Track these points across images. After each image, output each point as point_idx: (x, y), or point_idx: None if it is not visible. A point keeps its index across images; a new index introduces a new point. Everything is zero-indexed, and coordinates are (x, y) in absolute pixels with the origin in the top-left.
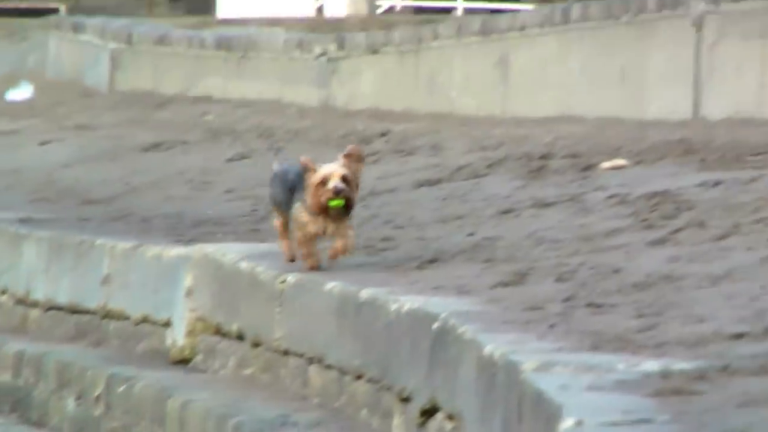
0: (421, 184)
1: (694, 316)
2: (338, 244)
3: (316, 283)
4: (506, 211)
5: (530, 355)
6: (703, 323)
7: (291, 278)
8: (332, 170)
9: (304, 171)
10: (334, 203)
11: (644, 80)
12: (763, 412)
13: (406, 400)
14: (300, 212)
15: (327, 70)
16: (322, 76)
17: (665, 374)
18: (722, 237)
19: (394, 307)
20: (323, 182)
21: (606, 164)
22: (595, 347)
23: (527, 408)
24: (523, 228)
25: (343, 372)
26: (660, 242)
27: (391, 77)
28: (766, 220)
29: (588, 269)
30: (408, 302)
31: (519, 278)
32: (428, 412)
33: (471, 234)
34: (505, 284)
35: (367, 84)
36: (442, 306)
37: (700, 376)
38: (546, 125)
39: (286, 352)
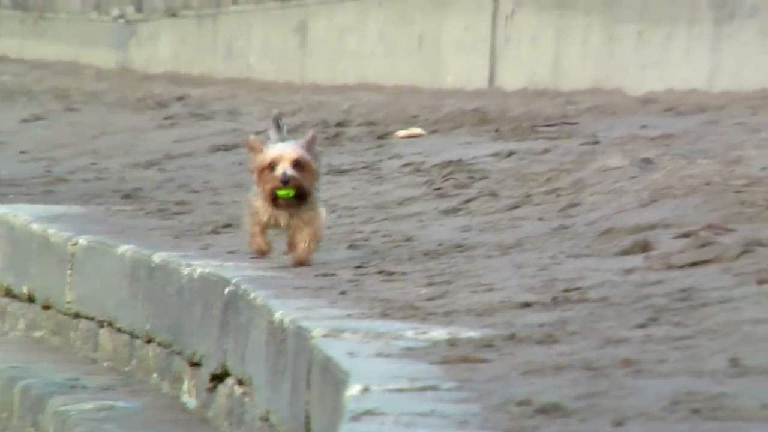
0: (217, 149)
1: (483, 284)
2: (296, 254)
3: (109, 246)
4: None
5: (320, 322)
6: (493, 292)
7: (83, 241)
8: (282, 152)
9: (249, 151)
10: (282, 193)
11: (441, 49)
12: (546, 379)
13: (196, 364)
14: (253, 197)
15: (125, 33)
16: (120, 38)
17: (453, 342)
18: (514, 207)
19: (186, 271)
20: (270, 166)
21: (402, 132)
22: (385, 314)
23: (316, 374)
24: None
25: (134, 336)
26: (453, 211)
27: (190, 41)
28: (558, 190)
29: (381, 237)
30: (200, 267)
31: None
32: (218, 377)
33: None
34: None
35: (166, 47)
36: (235, 271)
37: (487, 344)
38: (344, 92)
39: (76, 315)
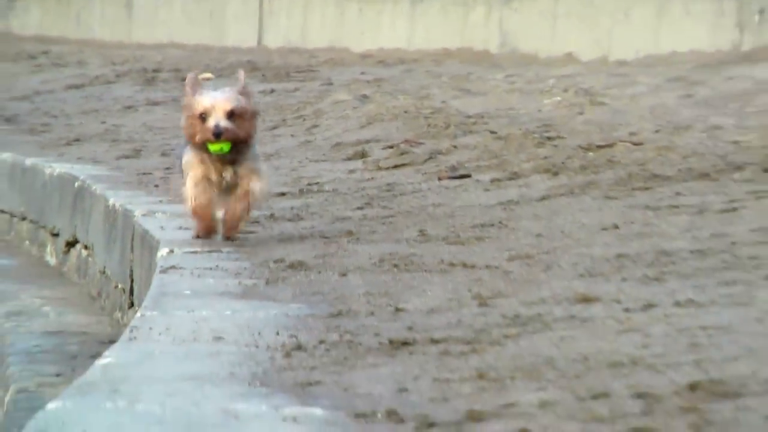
0: (70, 87)
1: None
2: (229, 213)
3: None
4: (128, 107)
5: (140, 206)
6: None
7: None
8: (215, 101)
9: (186, 90)
10: (215, 148)
11: (225, 19)
12: (294, 245)
13: (55, 235)
14: (189, 152)
15: (5, 7)
16: (2, 10)
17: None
18: (274, 127)
19: (48, 171)
20: (202, 117)
21: (199, 76)
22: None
23: (137, 241)
24: (139, 119)
25: (12, 215)
26: None
27: (53, 12)
28: (304, 116)
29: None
30: (58, 168)
31: (135, 153)
32: (71, 244)
33: (103, 122)
34: (125, 157)
35: (34, 16)
36: (82, 171)
37: (254, 221)
38: (158, 49)
39: None
